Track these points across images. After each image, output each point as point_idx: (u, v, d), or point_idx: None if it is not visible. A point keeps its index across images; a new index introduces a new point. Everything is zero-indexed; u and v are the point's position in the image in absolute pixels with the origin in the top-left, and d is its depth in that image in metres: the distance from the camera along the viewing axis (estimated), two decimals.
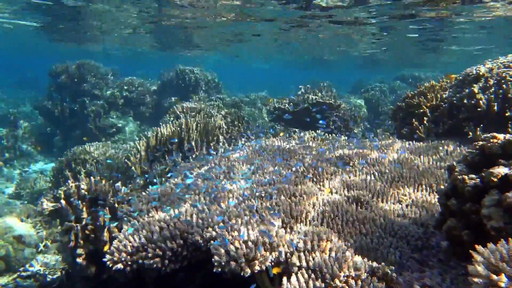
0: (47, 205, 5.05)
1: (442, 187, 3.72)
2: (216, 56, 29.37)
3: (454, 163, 2.70)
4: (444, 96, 5.90)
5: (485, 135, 2.55)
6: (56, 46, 25.08)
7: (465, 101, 5.26)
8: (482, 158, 2.47)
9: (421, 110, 6.02)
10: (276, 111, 9.66)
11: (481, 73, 5.29)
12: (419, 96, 6.24)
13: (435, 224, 2.88)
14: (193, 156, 6.47)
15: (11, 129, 13.17)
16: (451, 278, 2.36)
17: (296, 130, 8.78)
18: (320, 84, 10.40)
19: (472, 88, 5.18)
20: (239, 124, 8.41)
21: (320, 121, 6.22)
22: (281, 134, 7.33)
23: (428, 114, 5.90)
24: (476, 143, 2.57)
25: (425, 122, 5.83)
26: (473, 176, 2.41)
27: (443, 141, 5.27)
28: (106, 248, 3.79)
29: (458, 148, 4.85)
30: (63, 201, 4.53)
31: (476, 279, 1.71)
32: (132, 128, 13.48)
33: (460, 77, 5.70)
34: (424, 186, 3.94)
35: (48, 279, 5.01)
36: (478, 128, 4.93)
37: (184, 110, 8.47)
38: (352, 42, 18.42)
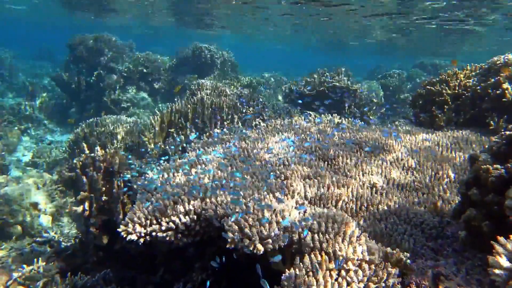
0: (63, 174, 5.14)
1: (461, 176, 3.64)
2: (232, 36, 29.01)
3: (478, 152, 2.61)
4: (468, 84, 5.70)
5: None
6: (74, 19, 25.09)
7: (489, 90, 5.08)
8: (509, 148, 2.39)
9: (442, 98, 5.85)
10: (291, 94, 9.53)
11: (509, 62, 5.08)
12: (440, 84, 6.05)
13: (452, 213, 2.82)
14: (207, 134, 6.47)
15: (29, 99, 13.35)
16: (467, 268, 2.32)
17: (311, 113, 8.67)
18: (336, 68, 10.17)
19: (499, 77, 4.99)
20: (254, 104, 8.34)
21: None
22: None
23: (450, 103, 5.73)
24: (503, 132, 2.47)
25: (445, 110, 5.68)
26: (498, 166, 2.33)
27: (463, 131, 5.13)
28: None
29: (479, 138, 4.72)
30: (78, 171, 4.60)
31: (497, 271, 1.67)
32: (146, 103, 13.52)
33: (486, 66, 5.49)
34: (441, 175, 3.86)
35: (62, 246, 5.15)
36: (502, 119, 4.78)
37: (200, 88, 8.42)
38: (369, 28, 17.91)
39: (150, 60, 14.07)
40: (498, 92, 4.94)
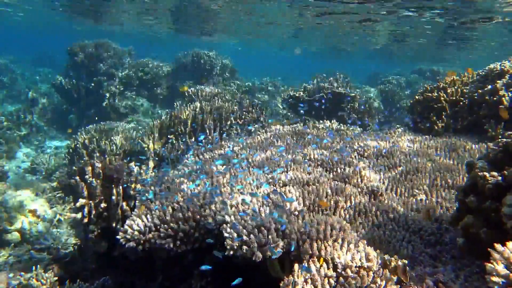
0: (62, 181, 5.15)
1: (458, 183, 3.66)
2: (231, 42, 29.16)
3: (475, 160, 2.63)
4: (465, 91, 5.75)
5: (509, 132, 2.48)
6: (74, 24, 25.20)
7: (487, 97, 5.12)
8: (506, 155, 2.40)
9: (440, 105, 5.88)
10: (290, 100, 9.57)
11: (505, 69, 5.13)
12: (438, 90, 6.09)
13: (450, 220, 2.83)
14: (206, 139, 6.48)
15: (29, 105, 13.37)
16: (465, 275, 2.33)
17: (310, 119, 8.70)
18: (335, 74, 10.23)
19: (496, 84, 5.03)
20: (253, 110, 8.38)
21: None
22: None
23: (447, 109, 5.77)
24: (499, 139, 2.49)
25: (443, 117, 5.71)
26: (495, 173, 2.35)
27: (461, 137, 5.16)
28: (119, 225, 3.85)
29: (477, 145, 4.75)
30: (78, 178, 4.60)
31: (494, 278, 1.68)
32: (146, 109, 13.55)
33: (483, 73, 5.54)
34: (439, 181, 3.87)
35: (61, 253, 5.14)
36: (499, 126, 4.81)
37: (199, 94, 8.46)
38: (369, 35, 18.02)
39: (149, 66, 14.13)
40: (495, 98, 4.98)
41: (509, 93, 4.91)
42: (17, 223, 5.94)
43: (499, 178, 2.31)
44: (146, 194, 3.60)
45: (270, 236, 2.49)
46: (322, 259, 2.37)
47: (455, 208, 3.10)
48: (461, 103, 5.71)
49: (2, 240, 5.80)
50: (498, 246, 1.85)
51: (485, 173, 2.39)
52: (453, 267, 2.46)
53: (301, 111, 8.84)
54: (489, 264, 1.77)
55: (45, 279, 3.73)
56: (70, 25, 26.09)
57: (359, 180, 3.83)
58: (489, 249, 1.87)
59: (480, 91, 5.32)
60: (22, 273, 3.81)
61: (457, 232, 2.79)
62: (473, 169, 2.56)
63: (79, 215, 4.47)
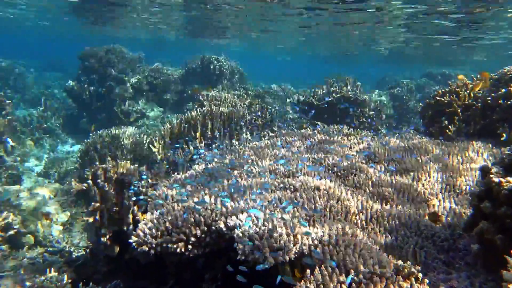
0: (74, 185, 5.22)
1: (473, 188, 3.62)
2: (240, 46, 29.29)
3: (489, 165, 2.60)
4: (477, 95, 5.68)
5: None
6: (84, 30, 25.58)
7: (500, 101, 5.06)
8: None
9: (452, 109, 5.83)
10: (300, 104, 9.57)
11: None
12: (450, 94, 6.03)
13: (464, 226, 2.80)
14: (216, 144, 6.51)
15: (41, 109, 13.59)
16: (480, 283, 2.30)
17: (319, 123, 8.69)
18: (345, 78, 10.20)
19: (509, 88, 4.97)
20: (263, 115, 8.39)
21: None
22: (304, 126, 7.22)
23: (459, 113, 5.71)
24: None
25: (455, 121, 5.65)
26: (510, 179, 2.32)
27: (474, 142, 5.10)
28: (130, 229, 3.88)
29: (490, 149, 4.69)
30: (90, 182, 4.66)
31: (511, 286, 1.66)
32: (156, 114, 13.67)
33: (496, 76, 5.48)
34: (452, 187, 3.83)
35: (73, 256, 5.20)
36: None
37: (209, 99, 8.50)
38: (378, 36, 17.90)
39: (159, 71, 14.26)
40: (509, 102, 4.92)
41: None
42: (31, 226, 6.03)
43: None
44: (158, 199, 3.63)
45: (282, 241, 2.49)
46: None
47: (469, 213, 3.06)
48: (473, 107, 5.65)
49: (16, 243, 5.89)
50: None
51: (500, 178, 2.36)
52: (467, 274, 2.43)
53: (311, 116, 8.83)
54: (506, 272, 1.75)
55: (58, 281, 3.78)
56: (80, 32, 26.50)
57: (370, 185, 3.81)
58: (505, 256, 1.85)
59: (493, 94, 5.26)
60: (36, 275, 3.86)
61: (471, 238, 2.76)
62: (488, 175, 2.52)
63: (91, 219, 4.52)
